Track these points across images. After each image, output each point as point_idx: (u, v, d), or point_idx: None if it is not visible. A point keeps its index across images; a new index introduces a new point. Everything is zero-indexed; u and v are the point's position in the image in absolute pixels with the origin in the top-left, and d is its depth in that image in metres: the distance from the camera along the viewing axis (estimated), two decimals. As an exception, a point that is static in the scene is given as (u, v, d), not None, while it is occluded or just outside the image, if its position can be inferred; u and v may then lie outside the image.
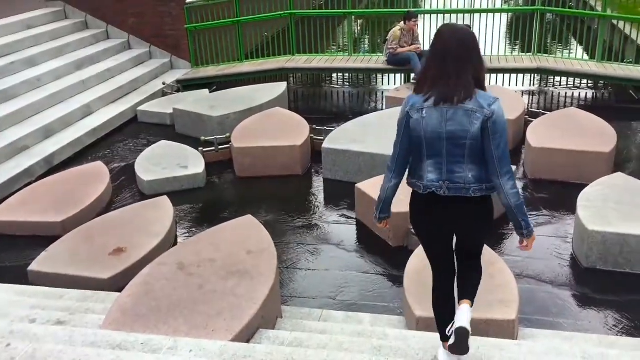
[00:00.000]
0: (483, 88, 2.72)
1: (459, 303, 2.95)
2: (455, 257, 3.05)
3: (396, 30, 9.52)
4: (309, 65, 10.50)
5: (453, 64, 2.64)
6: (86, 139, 7.90)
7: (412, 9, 10.15)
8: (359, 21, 15.00)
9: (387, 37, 9.71)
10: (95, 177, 6.38)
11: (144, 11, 10.51)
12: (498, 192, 2.73)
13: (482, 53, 2.81)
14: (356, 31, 14.06)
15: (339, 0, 10.96)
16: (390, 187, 2.97)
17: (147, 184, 6.46)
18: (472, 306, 2.94)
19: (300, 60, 10.64)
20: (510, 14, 13.17)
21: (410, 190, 2.93)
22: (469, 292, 2.99)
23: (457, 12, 11.26)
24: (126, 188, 6.73)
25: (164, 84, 9.84)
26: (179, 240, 5.53)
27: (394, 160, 2.91)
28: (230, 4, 10.65)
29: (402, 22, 9.51)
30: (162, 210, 5.46)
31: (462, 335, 2.81)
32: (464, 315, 2.86)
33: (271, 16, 10.87)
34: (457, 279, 3.06)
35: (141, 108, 8.94)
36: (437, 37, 2.75)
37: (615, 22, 10.75)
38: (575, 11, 11.40)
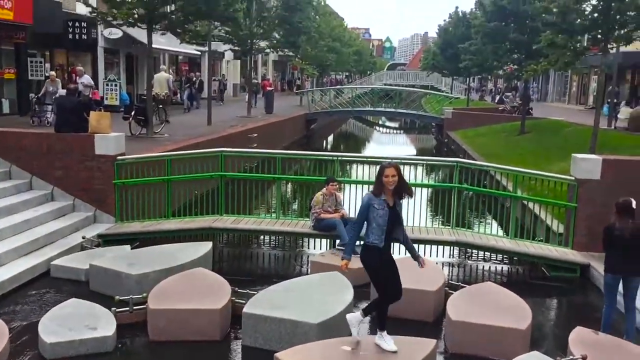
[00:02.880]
0: (410, 194, 5.73)
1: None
2: None
3: (318, 195, 9.88)
4: (236, 226, 10.53)
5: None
6: (-10, 293, 7.37)
7: (335, 177, 10.53)
8: (289, 185, 15.46)
9: (311, 203, 10.01)
10: (-9, 337, 5.85)
11: (71, 164, 10.45)
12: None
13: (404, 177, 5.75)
14: (285, 195, 14.42)
15: (270, 164, 11.33)
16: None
17: (50, 346, 5.96)
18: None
19: (227, 221, 10.68)
20: (430, 188, 13.96)
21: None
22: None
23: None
24: (26, 350, 6.18)
25: (83, 238, 9.54)
26: (76, 412, 5.01)
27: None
28: (161, 162, 10.81)
29: (324, 188, 9.89)
30: (62, 378, 4.99)
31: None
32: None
33: (202, 176, 11.05)
34: None
35: (55, 262, 8.54)
36: (380, 169, 5.60)
37: (525, 202, 11.56)
38: (489, 190, 12.15)
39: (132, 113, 16.30)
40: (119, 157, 10.48)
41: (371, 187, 11.28)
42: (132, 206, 10.60)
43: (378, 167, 5.78)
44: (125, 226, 10.36)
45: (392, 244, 5.84)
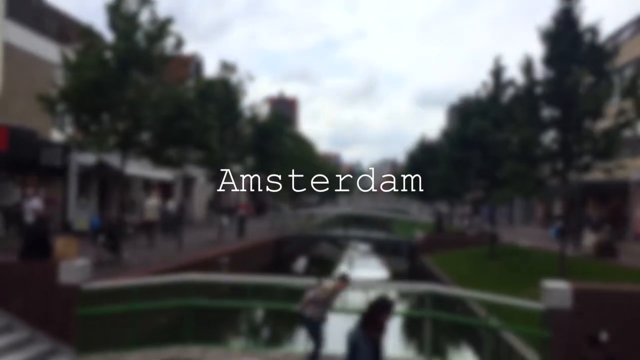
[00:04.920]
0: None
1: None
2: None
3: (329, 285, 9.02)
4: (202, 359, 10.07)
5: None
6: None
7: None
8: (259, 311, 15.08)
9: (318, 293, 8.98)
10: None
11: (33, 293, 10.07)
12: None
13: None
14: (254, 321, 14.02)
15: (240, 291, 11.11)
16: None
17: None
18: None
19: (194, 352, 10.22)
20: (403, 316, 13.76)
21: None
22: None
23: (354, 311, 11.59)
24: None
25: (39, 374, 9.01)
26: None
27: None
28: (127, 292, 10.51)
29: (335, 282, 9.07)
30: None
31: None
32: None
33: (170, 306, 10.74)
34: None
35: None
36: (383, 305, 5.33)
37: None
38: (463, 320, 12.01)
39: (102, 238, 16.11)
40: (84, 286, 10.17)
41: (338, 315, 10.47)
42: (95, 337, 10.13)
43: (373, 300, 5.30)
44: None
45: None
